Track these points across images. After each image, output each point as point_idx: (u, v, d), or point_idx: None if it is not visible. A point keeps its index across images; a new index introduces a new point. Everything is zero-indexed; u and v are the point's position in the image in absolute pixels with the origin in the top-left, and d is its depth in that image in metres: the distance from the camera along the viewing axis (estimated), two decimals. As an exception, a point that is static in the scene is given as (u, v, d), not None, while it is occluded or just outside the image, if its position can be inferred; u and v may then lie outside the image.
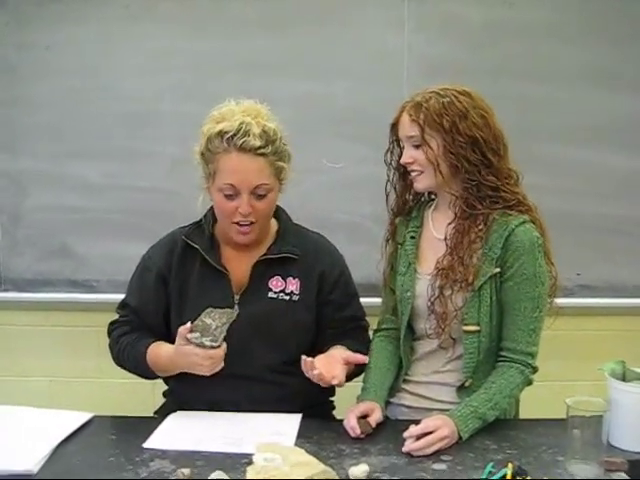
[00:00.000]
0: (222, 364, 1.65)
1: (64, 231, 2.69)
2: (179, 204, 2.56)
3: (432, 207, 1.82)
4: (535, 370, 1.70)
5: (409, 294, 1.74)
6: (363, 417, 1.62)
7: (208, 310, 1.64)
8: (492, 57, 2.56)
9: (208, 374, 1.64)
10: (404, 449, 1.50)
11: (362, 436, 1.57)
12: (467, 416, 1.58)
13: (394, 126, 1.75)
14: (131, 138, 2.62)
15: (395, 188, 1.81)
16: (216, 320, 1.63)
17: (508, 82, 2.55)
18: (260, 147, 1.67)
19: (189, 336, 1.63)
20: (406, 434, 1.52)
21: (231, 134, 1.66)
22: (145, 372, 1.79)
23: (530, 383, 1.71)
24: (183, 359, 1.66)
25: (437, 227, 1.77)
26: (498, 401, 1.62)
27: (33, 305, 2.73)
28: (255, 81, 2.48)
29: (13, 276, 2.72)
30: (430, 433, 1.51)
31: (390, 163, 1.80)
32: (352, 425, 1.58)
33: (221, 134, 1.67)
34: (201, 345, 1.63)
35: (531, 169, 2.41)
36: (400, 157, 1.75)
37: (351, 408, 1.65)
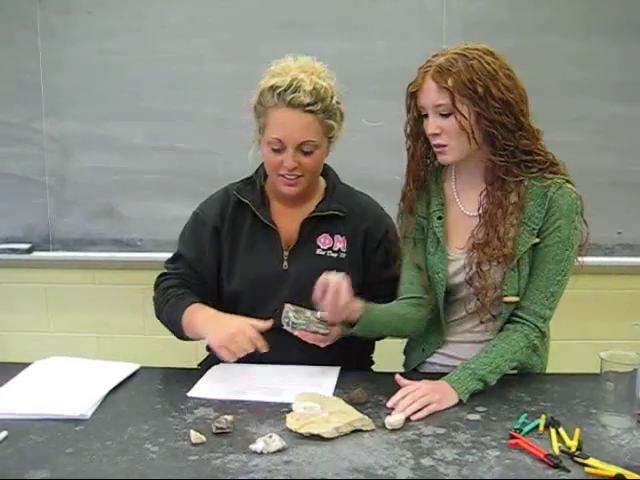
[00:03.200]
0: (244, 351, 1.64)
1: (109, 192, 2.76)
2: (221, 164, 2.61)
3: (452, 179, 1.73)
4: (543, 335, 1.66)
5: (441, 276, 1.70)
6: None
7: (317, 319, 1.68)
8: (531, 12, 2.52)
9: (237, 350, 1.63)
10: (389, 404, 1.51)
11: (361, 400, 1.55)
12: (465, 378, 1.55)
13: (412, 94, 1.64)
14: (173, 100, 2.66)
15: (413, 157, 1.73)
16: (314, 317, 1.67)
17: (547, 38, 2.51)
18: (309, 104, 1.68)
19: (289, 305, 1.67)
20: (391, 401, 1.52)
21: (282, 89, 1.68)
22: (178, 331, 1.79)
23: (536, 349, 1.67)
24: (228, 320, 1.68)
25: (465, 203, 1.71)
26: (499, 364, 1.58)
27: (81, 264, 2.83)
28: (294, 40, 2.48)
29: (61, 236, 2.80)
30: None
31: (410, 134, 1.70)
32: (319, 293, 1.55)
33: (273, 88, 1.69)
34: (287, 311, 1.66)
35: (572, 126, 2.39)
36: (415, 126, 1.67)
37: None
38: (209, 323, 1.71)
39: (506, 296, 1.64)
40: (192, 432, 1.38)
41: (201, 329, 1.72)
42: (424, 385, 1.55)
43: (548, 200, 1.61)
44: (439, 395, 1.52)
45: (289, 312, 1.67)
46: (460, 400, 1.54)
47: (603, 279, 2.64)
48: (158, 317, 1.87)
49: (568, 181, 1.65)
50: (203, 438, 1.37)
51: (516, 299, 1.64)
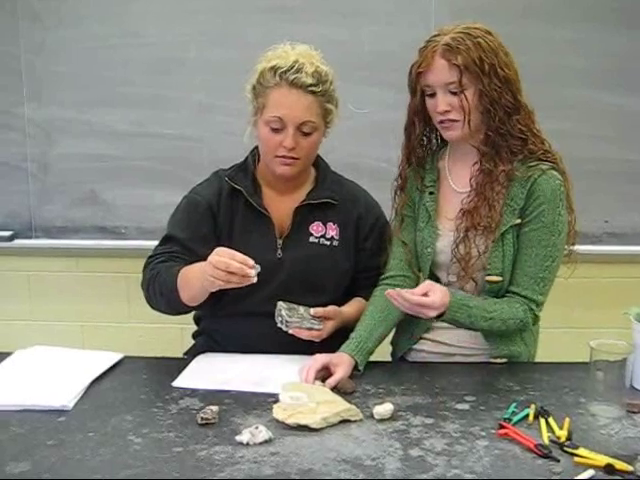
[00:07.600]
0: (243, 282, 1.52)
1: (92, 179, 2.72)
2: (205, 150, 2.59)
3: (446, 158, 1.76)
4: (536, 319, 1.67)
5: (429, 250, 1.72)
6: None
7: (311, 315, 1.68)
8: (520, -1, 2.51)
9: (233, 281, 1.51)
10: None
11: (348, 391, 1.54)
12: (460, 307, 1.58)
13: (419, 74, 1.64)
14: (157, 85, 2.63)
15: (416, 137, 1.73)
16: (307, 313, 1.67)
17: (536, 24, 2.50)
18: (311, 85, 1.67)
19: (281, 303, 1.67)
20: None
21: (284, 69, 1.67)
22: (171, 297, 1.66)
23: (525, 327, 1.68)
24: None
25: (456, 180, 1.73)
26: (494, 318, 1.61)
27: (64, 252, 2.79)
28: (280, 26, 2.46)
29: (44, 223, 2.77)
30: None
31: (413, 114, 1.70)
32: (306, 379, 1.55)
33: (274, 69, 1.68)
34: (280, 309, 1.66)
35: (559, 114, 2.37)
36: (417, 105, 1.68)
37: (315, 357, 1.60)
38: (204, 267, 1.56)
39: (489, 275, 1.65)
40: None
41: (199, 275, 1.58)
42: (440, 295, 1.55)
43: (531, 184, 1.63)
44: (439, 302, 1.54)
45: (282, 310, 1.66)
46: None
47: (590, 268, 2.62)
48: (147, 292, 1.74)
49: (554, 168, 1.65)
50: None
51: (499, 279, 1.65)
